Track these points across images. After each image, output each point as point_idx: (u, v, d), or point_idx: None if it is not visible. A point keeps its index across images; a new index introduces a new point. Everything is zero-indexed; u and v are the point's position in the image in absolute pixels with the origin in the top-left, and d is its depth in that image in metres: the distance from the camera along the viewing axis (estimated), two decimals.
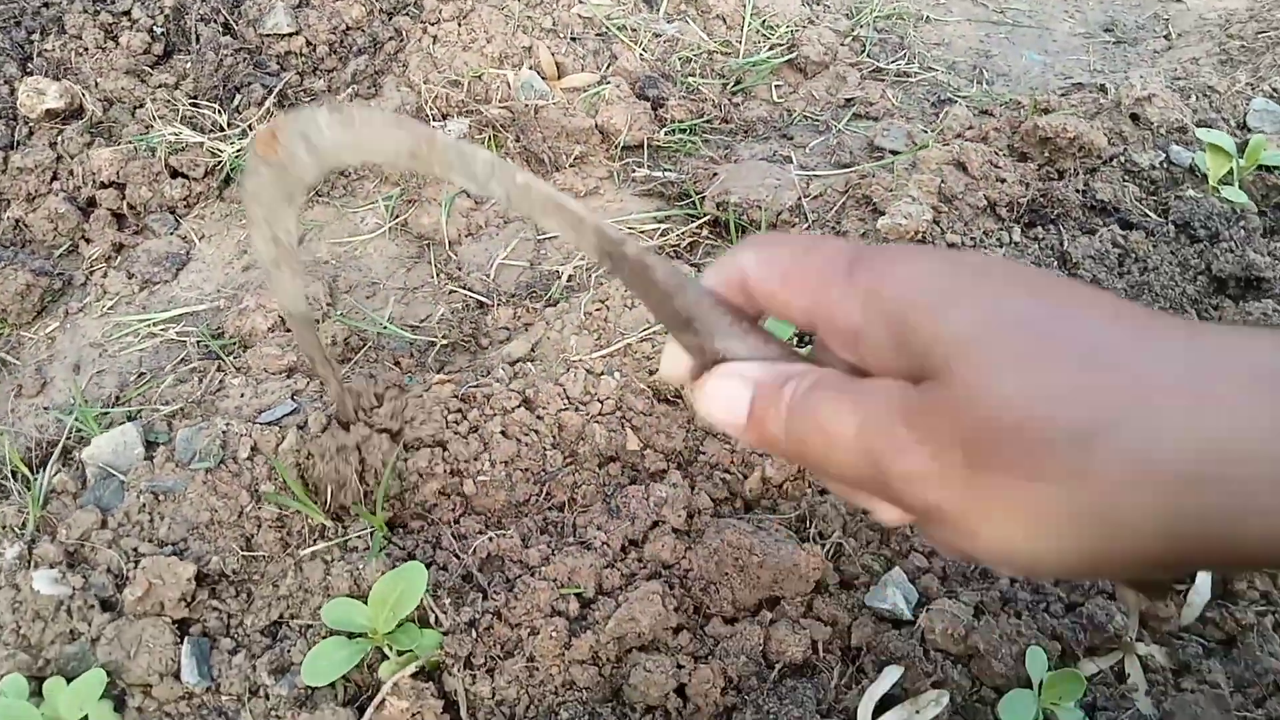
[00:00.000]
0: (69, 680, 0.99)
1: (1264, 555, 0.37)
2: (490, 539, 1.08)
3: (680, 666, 0.96)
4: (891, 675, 0.90)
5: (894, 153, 1.57)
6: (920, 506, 0.42)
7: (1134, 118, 1.44)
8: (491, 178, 0.51)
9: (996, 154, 1.41)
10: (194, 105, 1.70)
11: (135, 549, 1.08)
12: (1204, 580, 0.99)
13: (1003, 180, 1.37)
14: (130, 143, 1.64)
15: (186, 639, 1.02)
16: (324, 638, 1.02)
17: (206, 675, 1.00)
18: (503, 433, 1.16)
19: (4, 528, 1.13)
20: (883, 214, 1.37)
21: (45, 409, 1.35)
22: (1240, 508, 0.35)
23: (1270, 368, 0.36)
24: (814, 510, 1.06)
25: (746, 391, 0.47)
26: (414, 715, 0.92)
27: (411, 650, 0.96)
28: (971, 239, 1.32)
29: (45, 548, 1.08)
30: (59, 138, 1.66)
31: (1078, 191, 1.33)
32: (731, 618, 1.01)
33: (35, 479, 1.17)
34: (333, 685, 0.98)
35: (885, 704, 0.90)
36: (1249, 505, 0.35)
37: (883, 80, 1.76)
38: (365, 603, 0.98)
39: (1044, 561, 0.40)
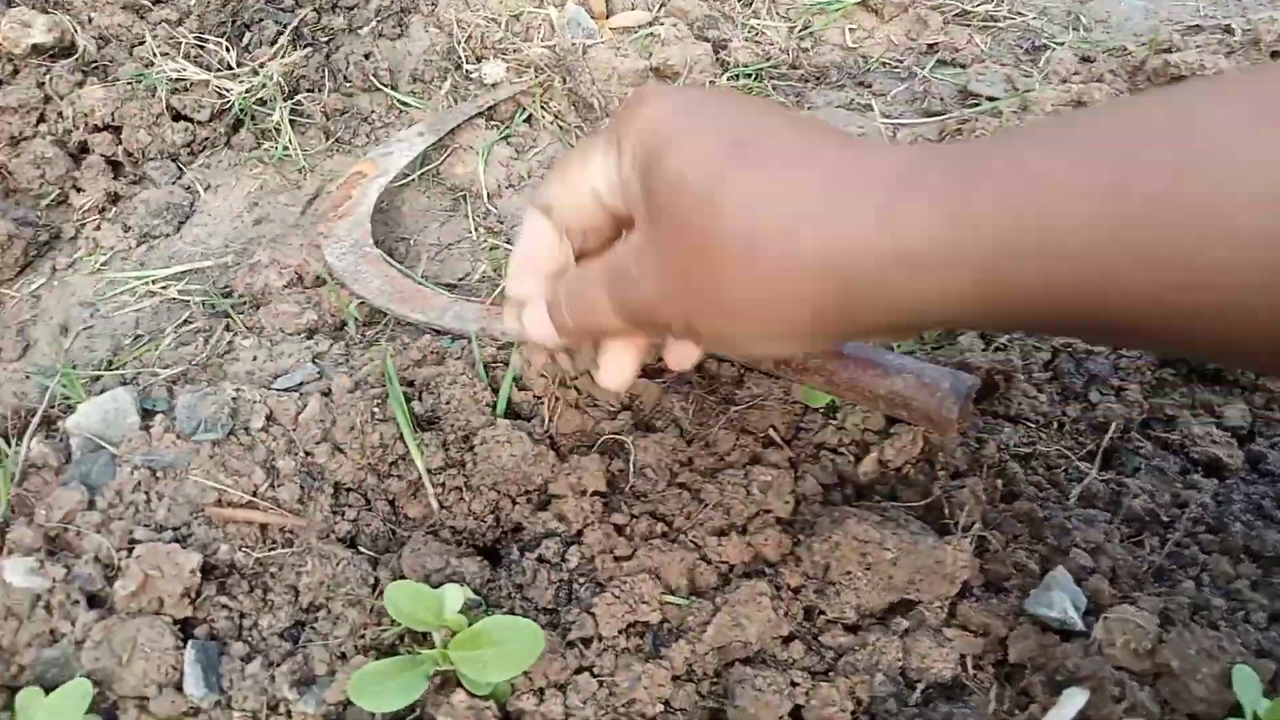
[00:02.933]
0: (48, 691, 0.81)
1: (881, 329, 0.49)
2: (555, 525, 0.90)
3: (795, 684, 0.78)
4: (1075, 700, 0.72)
5: (992, 99, 1.39)
6: (675, 329, 0.54)
7: (1276, 55, 1.26)
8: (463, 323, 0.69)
9: (1118, 95, 1.23)
10: (199, 42, 1.51)
11: (129, 534, 0.90)
12: None
13: None
14: (128, 82, 1.45)
15: (190, 643, 0.84)
16: (360, 640, 0.84)
17: (215, 687, 0.82)
18: (557, 399, 0.98)
19: None
20: None
21: (26, 376, 1.17)
22: (861, 295, 0.45)
23: (891, 171, 0.44)
24: (948, 496, 0.88)
25: (542, 308, 0.64)
26: None
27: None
28: None
29: (20, 532, 0.90)
30: (47, 76, 1.48)
31: None
32: (853, 625, 0.83)
33: (9, 452, 0.98)
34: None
35: None
36: (864, 293, 0.45)
37: (968, 25, 1.58)
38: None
39: (762, 343, 0.53)
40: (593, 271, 0.57)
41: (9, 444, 1.03)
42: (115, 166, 1.43)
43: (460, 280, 1.23)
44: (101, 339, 1.20)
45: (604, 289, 0.56)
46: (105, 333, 1.21)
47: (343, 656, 0.85)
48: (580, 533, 0.90)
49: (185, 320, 1.20)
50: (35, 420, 1.02)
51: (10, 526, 0.91)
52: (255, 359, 1.07)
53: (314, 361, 1.06)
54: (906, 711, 0.75)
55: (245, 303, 1.20)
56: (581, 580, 0.87)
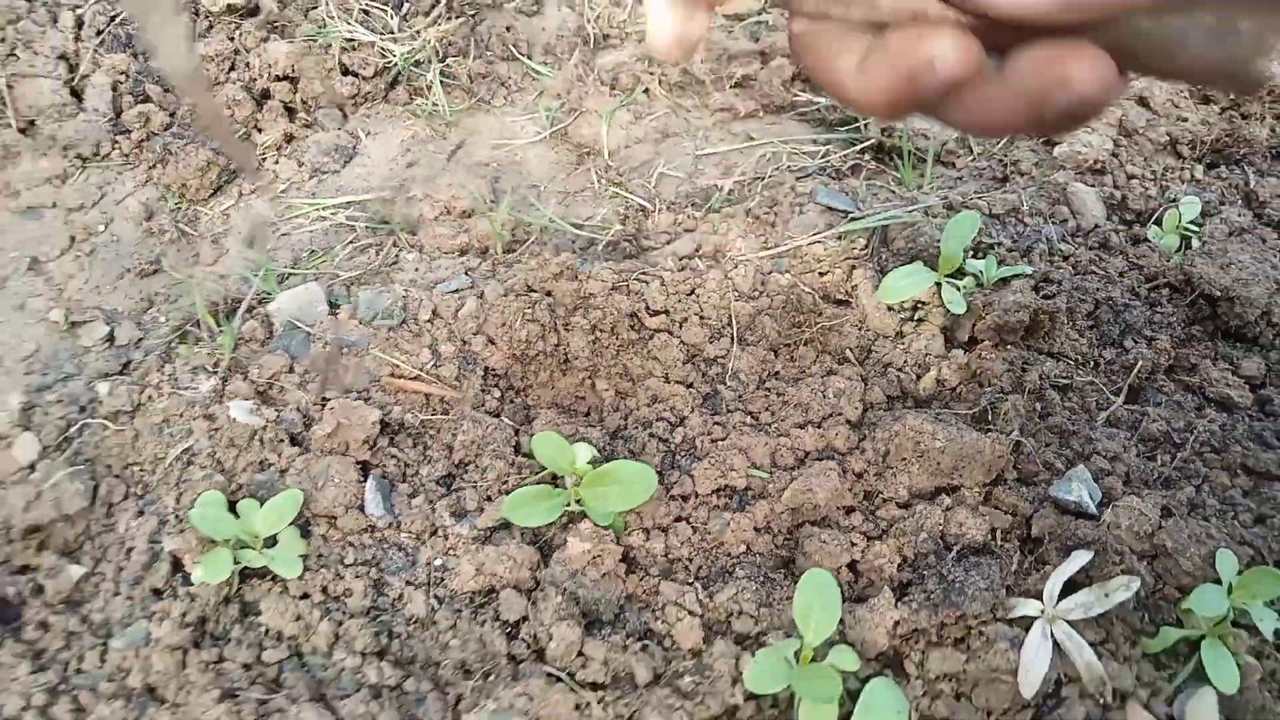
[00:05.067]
0: (261, 504, 1.03)
1: None
2: (664, 412, 1.10)
3: (853, 544, 0.97)
4: (1080, 558, 0.89)
5: None
6: None
7: None
8: None
9: (1178, 93, 1.39)
10: (366, 8, 1.74)
11: (321, 395, 1.12)
12: None
13: (1184, 119, 1.35)
14: (305, 40, 1.69)
15: (370, 477, 1.06)
16: (503, 487, 1.05)
17: (390, 510, 1.04)
18: (665, 312, 1.18)
19: (196, 368, 1.18)
20: (1058, 144, 1.36)
21: (222, 276, 1.40)
22: None
23: None
24: (994, 407, 1.06)
25: None
26: (594, 558, 0.94)
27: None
28: (1151, 173, 1.30)
29: (237, 384, 1.13)
30: (237, 32, 1.72)
31: (1270, 131, 1.30)
32: (905, 503, 1.01)
33: (225, 327, 1.22)
34: (509, 527, 1.01)
35: (1069, 589, 0.90)
36: None
37: None
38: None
39: None
40: None
41: (217, 323, 1.26)
42: (291, 112, 1.66)
43: (585, 220, 1.44)
44: (283, 251, 1.43)
45: None
46: (286, 246, 1.44)
47: (488, 498, 1.06)
48: (684, 419, 1.10)
49: (352, 240, 1.42)
50: (245, 302, 1.25)
51: (229, 381, 1.14)
52: (417, 270, 1.29)
53: (466, 274, 1.27)
54: (942, 566, 0.93)
55: (403, 229, 1.42)
56: (684, 452, 1.07)
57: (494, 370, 1.15)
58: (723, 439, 1.06)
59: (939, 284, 1.14)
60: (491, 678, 0.91)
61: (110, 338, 1.32)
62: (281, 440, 1.08)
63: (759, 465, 1.03)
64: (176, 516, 1.04)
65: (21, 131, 1.58)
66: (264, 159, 1.60)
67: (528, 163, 1.57)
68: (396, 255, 1.33)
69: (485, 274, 1.27)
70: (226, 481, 1.06)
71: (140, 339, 1.32)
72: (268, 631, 0.97)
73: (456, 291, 1.22)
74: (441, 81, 1.68)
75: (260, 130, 1.64)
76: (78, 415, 1.18)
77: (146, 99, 1.62)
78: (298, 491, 1.01)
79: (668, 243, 1.35)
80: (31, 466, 1.13)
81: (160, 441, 1.11)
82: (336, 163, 1.59)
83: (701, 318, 1.17)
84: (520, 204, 1.46)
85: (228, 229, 1.49)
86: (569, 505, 0.99)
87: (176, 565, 1.02)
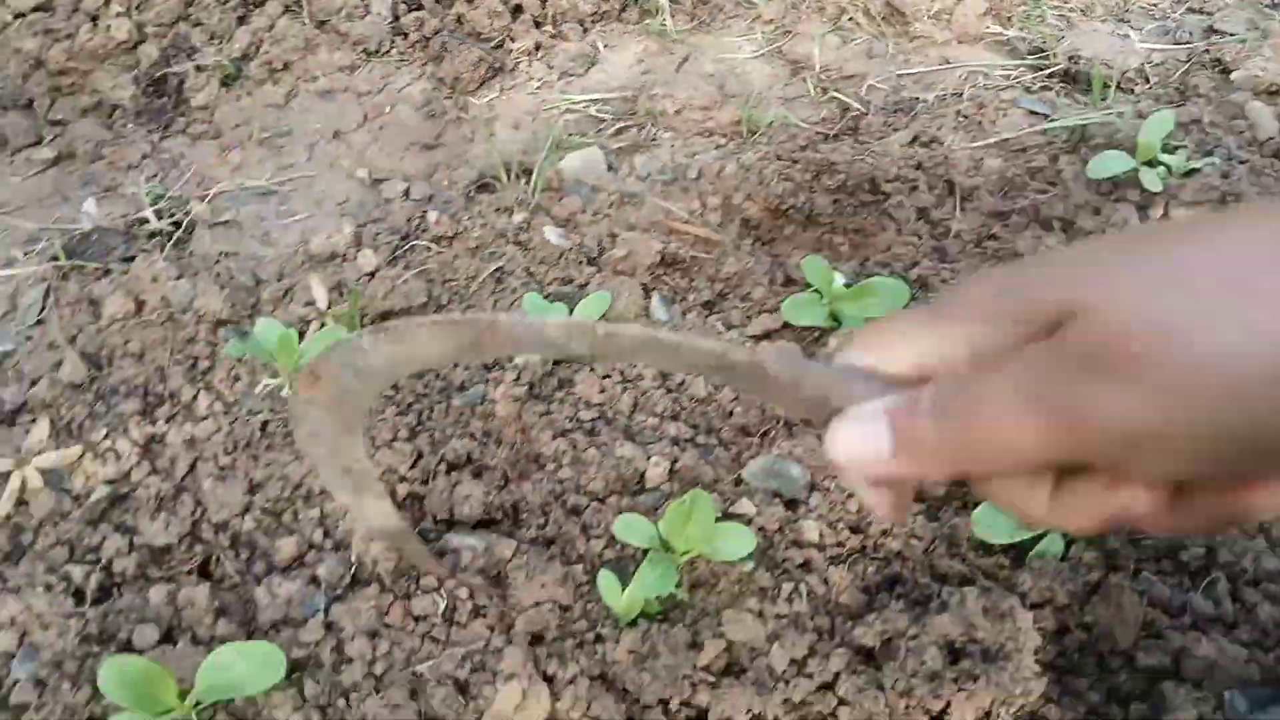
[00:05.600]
0: (569, 309, 1.28)
1: None
2: (898, 259, 1.32)
3: None
4: None
5: (1234, 34, 1.72)
6: (1128, 456, 0.37)
7: None
8: (570, 340, 0.47)
9: None
10: None
11: (610, 230, 1.38)
12: None
13: None
14: None
15: (653, 294, 1.30)
16: (761, 307, 1.28)
17: (672, 316, 1.28)
18: (898, 179, 1.40)
19: (500, 209, 1.44)
20: (1233, 71, 1.54)
21: (499, 151, 1.67)
22: None
23: None
24: None
25: (881, 420, 0.44)
26: None
27: None
28: None
29: (542, 217, 1.39)
30: None
31: None
32: None
33: (537, 170, 1.48)
34: (769, 336, 1.25)
35: None
36: None
37: None
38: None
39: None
40: (993, 377, 0.40)
41: (507, 176, 1.52)
42: (539, 24, 1.93)
43: (804, 119, 1.66)
44: (543, 133, 1.69)
45: (1019, 398, 0.39)
46: (543, 131, 1.70)
47: (748, 317, 1.29)
48: (915, 264, 1.32)
49: (602, 129, 1.68)
50: (541, 156, 1.51)
51: (536, 215, 1.40)
52: (674, 146, 1.54)
53: (717, 149, 1.51)
54: None
55: (648, 119, 1.67)
56: (917, 288, 1.29)
57: (750, 221, 1.39)
58: (951, 279, 1.28)
59: (1137, 168, 1.34)
60: (770, 435, 1.14)
61: (407, 193, 1.60)
62: (581, 261, 1.34)
63: None
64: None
65: (318, 27, 1.88)
66: (518, 63, 1.87)
67: (749, 74, 1.80)
68: (655, 134, 1.58)
69: (734, 150, 1.51)
70: (539, 292, 1.32)
71: (432, 195, 1.59)
72: (580, 399, 1.22)
73: (714, 159, 1.46)
74: (669, 4, 1.92)
75: (513, 40, 1.91)
76: (401, 241, 1.45)
77: (420, 7, 1.90)
78: (606, 294, 1.26)
79: (883, 137, 1.57)
80: (372, 274, 1.40)
81: (477, 262, 1.38)
82: (580, 68, 1.84)
83: (930, 186, 1.39)
84: (750, 104, 1.70)
85: (494, 115, 1.75)
86: (825, 320, 1.22)
87: None
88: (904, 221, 1.36)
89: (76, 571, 1.06)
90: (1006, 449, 0.40)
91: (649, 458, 1.09)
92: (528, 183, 1.48)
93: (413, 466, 1.15)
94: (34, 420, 1.22)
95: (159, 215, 1.51)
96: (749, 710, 0.92)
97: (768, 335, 1.24)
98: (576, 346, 0.48)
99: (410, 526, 0.98)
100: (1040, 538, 0.99)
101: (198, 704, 0.92)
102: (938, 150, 1.46)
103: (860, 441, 0.45)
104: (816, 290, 1.22)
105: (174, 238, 1.48)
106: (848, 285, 1.23)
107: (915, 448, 0.43)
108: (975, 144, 1.46)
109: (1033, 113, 1.52)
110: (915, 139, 1.52)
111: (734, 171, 1.41)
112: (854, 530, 1.03)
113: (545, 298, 1.31)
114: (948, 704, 0.92)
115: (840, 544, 1.03)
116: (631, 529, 0.96)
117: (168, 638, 1.00)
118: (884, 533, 1.02)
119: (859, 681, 0.92)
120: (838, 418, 0.45)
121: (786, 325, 1.22)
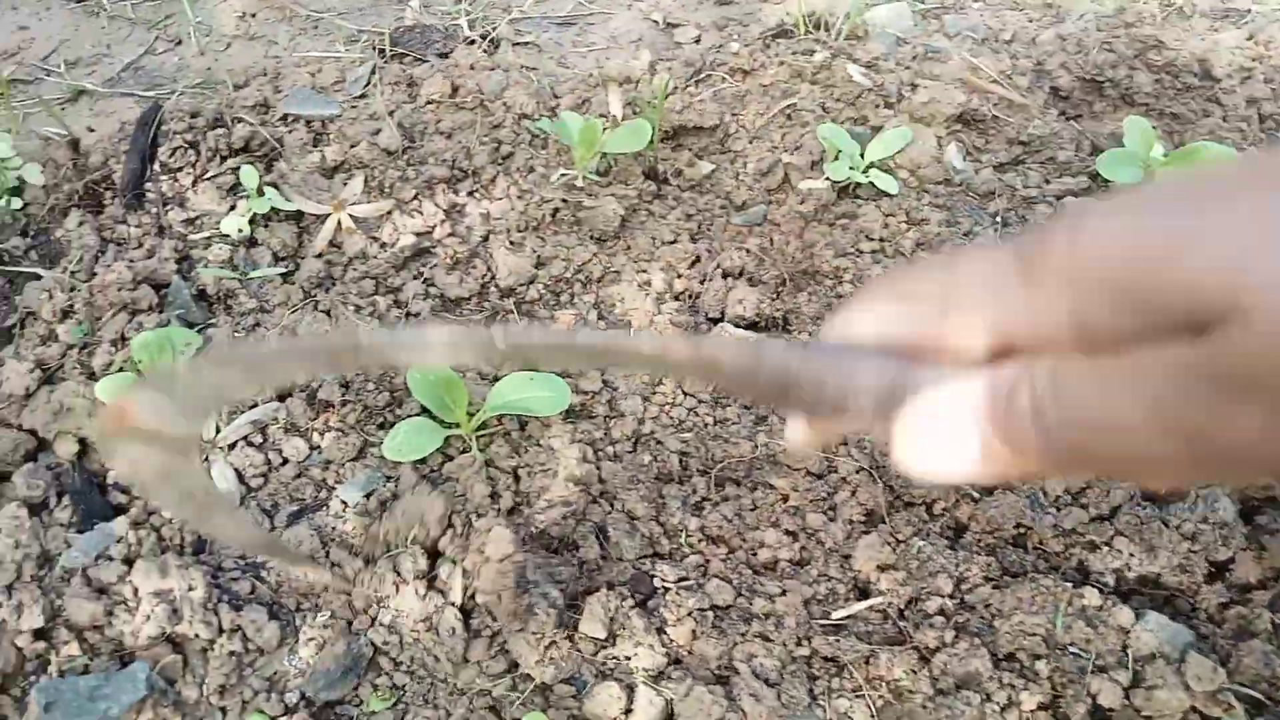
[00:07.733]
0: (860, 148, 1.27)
1: None
2: None
3: None
4: None
5: None
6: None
7: None
8: (460, 351, 0.42)
9: None
10: None
11: (912, 80, 1.35)
12: None
13: None
14: None
15: (949, 144, 1.27)
16: (1065, 168, 1.23)
17: (968, 170, 1.25)
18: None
19: (798, 51, 1.44)
20: None
21: (788, 14, 1.66)
22: None
23: None
24: None
25: (967, 420, 0.35)
26: None
27: None
28: None
29: (844, 60, 1.38)
30: None
31: None
32: None
33: (851, 8, 1.47)
34: (1063, 198, 1.19)
35: None
36: None
37: None
38: None
39: None
40: (1113, 376, 0.32)
41: (806, 27, 1.52)
42: None
43: None
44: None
45: (1142, 409, 0.31)
46: None
47: (1046, 180, 1.24)
48: (1240, 150, 1.23)
49: None
50: (848, 5, 1.49)
51: (837, 57, 1.39)
52: (983, 10, 1.49)
53: (1030, 21, 1.45)
54: None
55: None
56: None
57: (1060, 91, 1.33)
58: None
59: None
60: None
61: (698, 40, 1.62)
62: (879, 104, 1.32)
63: None
64: (787, 148, 1.31)
65: None
66: None
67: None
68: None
69: (1051, 20, 1.45)
70: (854, 121, 1.31)
71: (722, 45, 1.60)
72: (862, 231, 1.21)
73: (1031, 23, 1.41)
74: None
75: None
76: (696, 74, 1.48)
77: None
78: (908, 130, 1.24)
79: (1214, 33, 1.47)
80: (667, 96, 1.43)
81: (767, 99, 1.38)
82: None
83: (1266, 79, 1.29)
84: None
85: None
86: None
87: (787, 175, 1.28)
88: (1232, 109, 1.27)
89: (381, 301, 1.15)
90: (1129, 467, 0.32)
91: None
92: (829, 33, 1.47)
93: (690, 267, 1.18)
94: (350, 176, 1.33)
95: (470, 25, 1.60)
96: (1017, 523, 0.90)
97: (1070, 194, 1.19)
98: (470, 357, 0.41)
99: (268, 532, 0.95)
100: None
101: (483, 425, 0.99)
102: (1275, 52, 1.35)
103: (948, 451, 0.35)
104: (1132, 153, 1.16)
105: (481, 49, 1.57)
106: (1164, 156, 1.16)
107: (1012, 458, 0.34)
108: None
109: None
110: (1251, 37, 1.41)
111: (1050, 39, 1.35)
112: None
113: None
114: (1233, 557, 0.88)
115: None
116: None
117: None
118: None
119: (1142, 514, 0.88)
120: (904, 416, 0.36)
121: (1095, 180, 1.17)
